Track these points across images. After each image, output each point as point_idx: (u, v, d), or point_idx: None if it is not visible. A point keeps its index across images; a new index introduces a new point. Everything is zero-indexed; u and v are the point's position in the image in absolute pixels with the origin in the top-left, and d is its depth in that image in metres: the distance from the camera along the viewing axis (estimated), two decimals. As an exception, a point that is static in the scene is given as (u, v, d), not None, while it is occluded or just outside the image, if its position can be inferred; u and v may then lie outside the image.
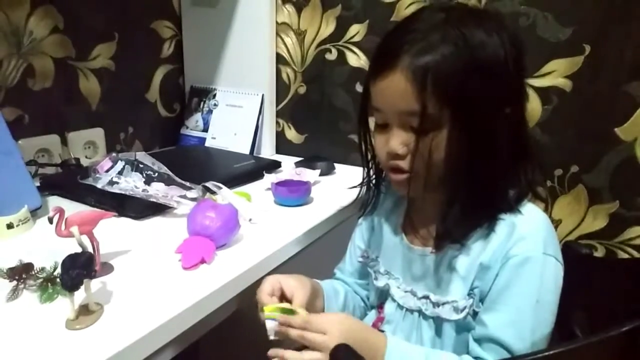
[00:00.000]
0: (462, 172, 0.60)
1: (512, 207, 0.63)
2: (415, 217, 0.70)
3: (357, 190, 0.80)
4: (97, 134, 1.21)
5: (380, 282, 0.74)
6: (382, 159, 0.67)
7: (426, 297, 0.67)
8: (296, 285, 0.67)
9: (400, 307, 0.70)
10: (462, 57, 0.56)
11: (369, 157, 0.73)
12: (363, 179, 0.77)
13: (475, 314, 0.63)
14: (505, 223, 0.62)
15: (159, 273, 0.66)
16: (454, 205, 0.62)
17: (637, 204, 1.00)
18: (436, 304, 0.65)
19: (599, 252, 1.05)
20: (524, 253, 0.59)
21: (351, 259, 0.84)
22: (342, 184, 1.13)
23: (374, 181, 0.76)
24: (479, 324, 0.62)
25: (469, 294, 0.63)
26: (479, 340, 0.61)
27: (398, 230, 0.73)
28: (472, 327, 0.63)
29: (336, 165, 1.23)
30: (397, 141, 0.62)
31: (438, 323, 0.66)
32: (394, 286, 0.72)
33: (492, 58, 0.57)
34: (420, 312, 0.68)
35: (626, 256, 1.03)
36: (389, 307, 0.73)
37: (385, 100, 0.62)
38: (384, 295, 0.75)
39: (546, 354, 0.52)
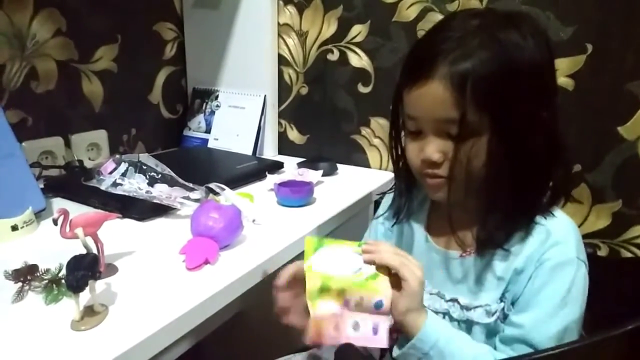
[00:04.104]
0: (503, 177, 0.60)
1: (547, 210, 0.63)
2: (445, 221, 0.69)
3: (360, 192, 0.79)
4: (100, 136, 1.21)
5: None
6: (415, 166, 0.66)
7: (454, 300, 0.67)
8: None
9: None
10: (500, 62, 0.56)
11: (400, 164, 0.73)
12: (394, 186, 0.77)
13: (505, 317, 0.63)
14: (539, 229, 0.62)
15: (163, 274, 0.66)
16: (495, 210, 0.62)
17: (640, 202, 1.00)
18: (465, 307, 0.65)
19: (602, 251, 1.05)
20: (559, 257, 0.60)
21: None
22: (345, 184, 1.14)
23: (404, 188, 0.75)
24: (508, 325, 0.62)
25: (500, 298, 0.63)
26: (507, 341, 0.61)
27: (422, 231, 0.73)
28: (500, 329, 0.63)
29: (339, 165, 1.23)
30: (433, 148, 0.61)
31: (467, 325, 0.66)
32: None
33: (529, 61, 0.57)
34: (447, 314, 0.68)
35: (629, 255, 1.03)
36: None
37: (421, 108, 0.61)
38: None
39: (550, 352, 0.52)
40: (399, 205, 0.76)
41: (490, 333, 0.64)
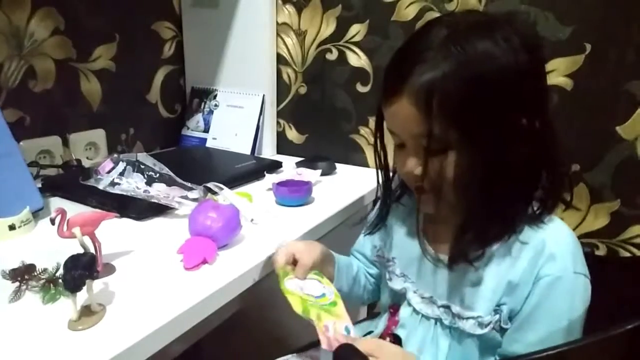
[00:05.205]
0: (475, 193, 0.59)
1: (537, 219, 0.62)
2: (437, 226, 0.69)
3: (358, 191, 0.79)
4: (98, 135, 1.21)
5: (396, 285, 0.73)
6: (402, 177, 0.68)
7: (446, 307, 0.66)
8: (303, 249, 0.70)
9: (416, 312, 0.70)
10: (467, 74, 0.54)
11: (385, 175, 0.74)
12: (378, 197, 0.77)
13: (501, 330, 0.62)
14: (533, 240, 0.61)
15: (160, 273, 0.66)
16: (468, 225, 0.61)
17: (638, 202, 1.00)
18: (457, 316, 0.65)
19: (601, 251, 1.05)
20: (555, 273, 0.59)
21: (362, 247, 0.85)
22: (344, 183, 1.14)
23: (387, 198, 0.76)
24: (508, 343, 0.62)
25: (495, 310, 0.62)
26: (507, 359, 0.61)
27: (417, 234, 0.72)
28: (497, 340, 0.63)
29: (337, 165, 1.23)
30: (413, 163, 0.62)
31: (458, 335, 0.65)
32: (411, 291, 0.71)
33: (500, 69, 0.55)
34: (438, 320, 0.67)
35: (627, 255, 1.03)
36: (404, 311, 0.72)
37: (396, 124, 0.62)
38: (398, 297, 0.75)
39: (548, 353, 0.52)
40: (380, 215, 0.77)
41: (484, 345, 0.64)
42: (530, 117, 0.58)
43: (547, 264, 0.59)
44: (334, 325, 0.60)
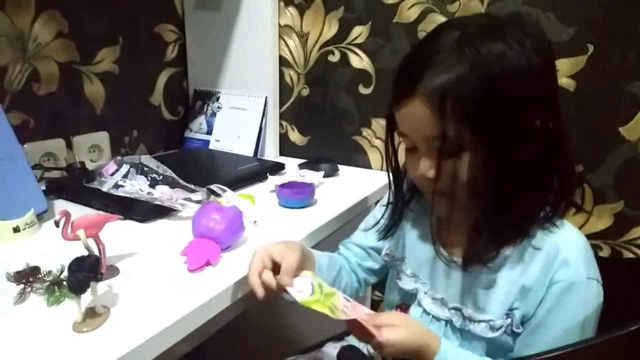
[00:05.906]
0: (489, 194, 0.59)
1: (549, 222, 0.62)
2: (450, 229, 0.69)
3: (361, 193, 0.79)
4: (102, 138, 1.21)
5: (407, 285, 0.73)
6: (414, 181, 0.67)
7: (457, 309, 0.66)
8: (284, 250, 0.66)
9: (426, 313, 0.70)
10: (481, 76, 0.54)
11: (397, 178, 0.73)
12: (389, 202, 0.77)
13: (513, 334, 0.62)
14: (546, 243, 0.61)
15: (164, 275, 0.66)
16: (482, 227, 0.61)
17: (642, 203, 1.00)
18: (469, 319, 0.65)
19: (604, 252, 1.05)
20: (569, 279, 0.59)
21: (363, 241, 0.84)
22: (346, 185, 1.14)
23: (400, 203, 0.75)
24: (521, 348, 0.62)
25: (506, 314, 0.62)
26: None
27: (429, 236, 0.71)
28: (507, 344, 0.63)
29: (340, 166, 1.24)
30: (426, 165, 0.61)
31: (469, 336, 0.65)
32: (422, 291, 0.71)
33: (514, 71, 0.55)
34: (449, 322, 0.67)
35: (631, 256, 1.03)
36: (414, 311, 0.72)
37: (409, 127, 0.62)
38: (408, 297, 0.75)
39: (552, 354, 0.52)
40: (390, 221, 0.77)
41: (494, 347, 0.64)
42: (543, 118, 0.59)
43: (560, 269, 0.59)
44: (343, 305, 0.61)
